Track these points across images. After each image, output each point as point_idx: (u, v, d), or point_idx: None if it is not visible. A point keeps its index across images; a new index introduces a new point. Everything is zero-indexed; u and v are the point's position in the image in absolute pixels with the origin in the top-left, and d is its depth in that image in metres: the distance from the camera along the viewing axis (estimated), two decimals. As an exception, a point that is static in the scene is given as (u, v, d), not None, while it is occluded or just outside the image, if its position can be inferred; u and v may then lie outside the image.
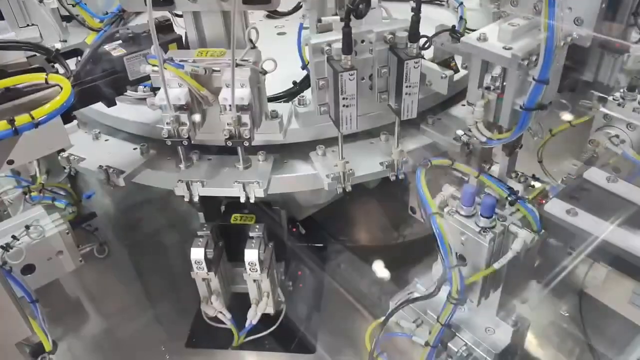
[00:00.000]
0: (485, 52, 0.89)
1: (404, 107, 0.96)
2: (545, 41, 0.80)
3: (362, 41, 0.93)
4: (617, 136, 1.08)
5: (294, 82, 1.19)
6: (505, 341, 0.92)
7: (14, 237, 1.06)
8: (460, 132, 1.09)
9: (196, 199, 1.07)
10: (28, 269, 1.09)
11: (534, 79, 0.84)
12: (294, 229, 1.48)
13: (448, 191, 0.89)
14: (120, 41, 1.04)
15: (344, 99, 0.90)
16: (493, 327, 0.94)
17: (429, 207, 0.81)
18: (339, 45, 0.89)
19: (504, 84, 0.90)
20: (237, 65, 0.89)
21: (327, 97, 0.96)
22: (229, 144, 0.93)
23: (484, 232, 0.79)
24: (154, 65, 0.91)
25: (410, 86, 0.93)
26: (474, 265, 0.83)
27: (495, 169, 1.10)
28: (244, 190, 1.04)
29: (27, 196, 1.29)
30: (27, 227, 1.08)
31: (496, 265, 0.82)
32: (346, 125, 0.94)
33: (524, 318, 0.95)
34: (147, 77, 0.98)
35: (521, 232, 0.81)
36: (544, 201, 0.93)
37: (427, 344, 0.89)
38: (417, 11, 0.89)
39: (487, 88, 0.93)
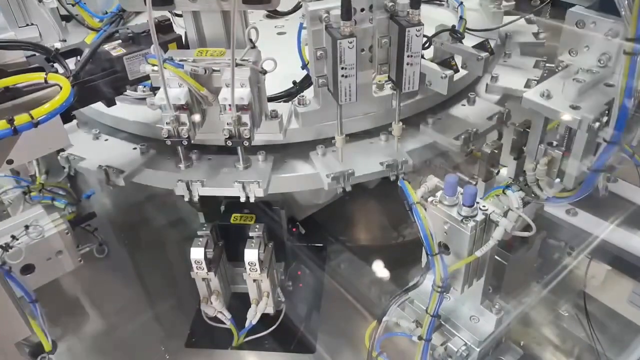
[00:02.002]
0: (551, 112, 0.84)
1: (405, 78, 0.94)
2: (620, 103, 0.75)
3: (362, 9, 0.91)
4: None
5: (294, 82, 1.19)
6: (489, 329, 0.93)
7: (13, 237, 1.05)
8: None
9: (196, 198, 1.06)
10: (27, 268, 1.08)
11: (604, 140, 0.80)
12: (294, 229, 1.47)
13: (432, 182, 0.89)
14: (119, 41, 1.04)
15: (342, 68, 0.88)
16: (478, 315, 0.95)
17: (410, 197, 0.82)
18: (338, 12, 0.87)
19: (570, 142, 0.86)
20: (237, 65, 0.89)
21: (326, 69, 0.94)
22: (229, 143, 0.93)
23: (465, 220, 0.80)
24: (153, 65, 0.90)
25: (411, 56, 0.91)
26: (457, 253, 0.84)
27: (504, 173, 1.09)
28: (244, 190, 1.04)
29: (27, 196, 1.29)
30: (27, 227, 1.08)
31: (478, 253, 0.83)
32: (345, 97, 0.92)
33: (507, 307, 0.96)
34: (147, 77, 0.98)
35: (502, 220, 0.82)
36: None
37: (420, 337, 0.90)
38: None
39: (550, 144, 0.88)
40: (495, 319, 0.93)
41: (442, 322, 0.96)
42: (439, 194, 0.84)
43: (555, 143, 0.88)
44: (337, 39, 0.85)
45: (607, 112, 0.81)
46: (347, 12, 0.85)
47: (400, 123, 1.07)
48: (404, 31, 0.89)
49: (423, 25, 0.90)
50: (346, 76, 0.89)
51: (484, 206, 0.82)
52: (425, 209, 0.83)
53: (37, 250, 1.09)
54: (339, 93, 0.92)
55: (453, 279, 0.87)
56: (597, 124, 0.81)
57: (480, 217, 0.80)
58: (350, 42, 0.86)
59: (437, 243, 0.82)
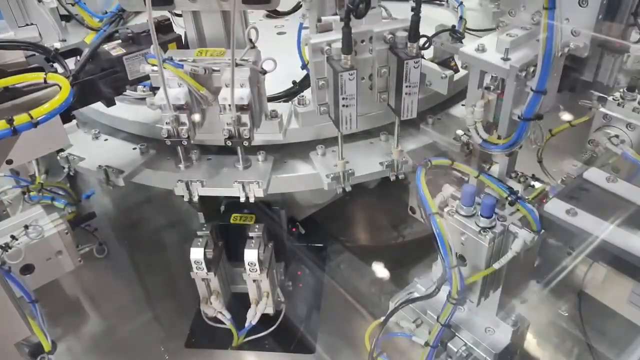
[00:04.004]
0: (483, 63, 0.90)
1: (403, 106, 0.96)
2: (543, 52, 0.80)
3: (362, 41, 0.93)
4: (616, 136, 1.08)
5: (294, 82, 1.19)
6: (505, 341, 0.92)
7: (13, 237, 1.05)
8: (460, 132, 1.08)
9: (196, 198, 1.06)
10: (27, 269, 1.08)
11: (531, 89, 0.84)
12: (294, 229, 1.47)
13: (448, 191, 0.89)
14: (119, 41, 1.04)
15: (343, 98, 0.90)
16: (493, 327, 0.94)
17: (429, 207, 0.81)
18: (339, 45, 0.89)
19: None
20: (237, 65, 0.89)
21: (327, 97, 0.95)
22: (229, 143, 0.93)
23: (483, 232, 0.79)
24: (153, 65, 0.90)
25: (410, 86, 0.93)
26: (474, 265, 0.83)
27: (495, 169, 1.09)
28: (244, 190, 1.04)
29: (26, 196, 1.29)
30: (26, 227, 1.08)
31: (496, 266, 0.82)
32: (346, 125, 0.94)
33: (523, 318, 0.95)
34: (147, 77, 0.98)
35: (521, 232, 0.81)
36: (545, 201, 0.93)
37: (426, 344, 0.89)
38: (416, 11, 0.89)
39: (487, 88, 0.92)
40: (511, 331, 0.92)
41: (455, 333, 0.95)
42: (455, 203, 0.83)
43: (492, 87, 0.93)
44: (338, 72, 0.87)
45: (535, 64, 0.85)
46: (348, 46, 0.88)
47: (399, 147, 1.08)
48: (402, 63, 0.91)
49: (421, 57, 0.92)
50: (347, 106, 0.91)
51: (502, 217, 0.81)
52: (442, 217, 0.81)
53: (36, 251, 1.09)
54: (340, 121, 0.93)
55: (468, 291, 0.86)
56: (524, 73, 0.86)
57: (499, 228, 0.80)
58: (351, 75, 0.88)
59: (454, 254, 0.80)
